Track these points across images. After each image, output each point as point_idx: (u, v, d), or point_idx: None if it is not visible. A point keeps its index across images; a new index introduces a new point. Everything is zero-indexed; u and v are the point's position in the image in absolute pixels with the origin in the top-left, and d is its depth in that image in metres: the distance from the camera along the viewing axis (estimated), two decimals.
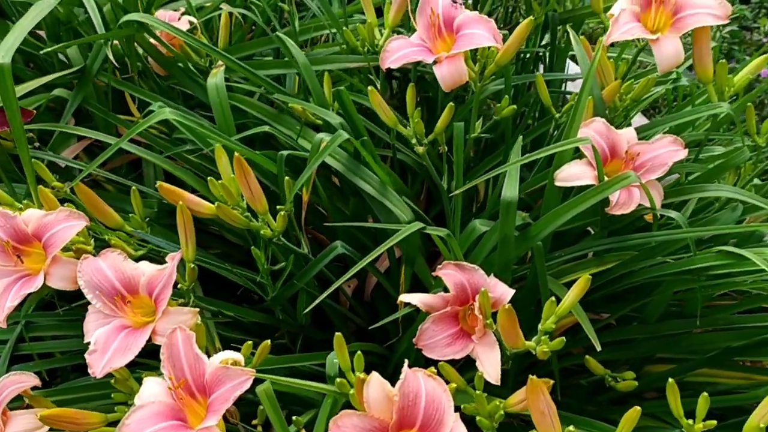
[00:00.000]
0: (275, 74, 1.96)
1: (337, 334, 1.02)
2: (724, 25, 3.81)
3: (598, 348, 1.26)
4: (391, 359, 1.59)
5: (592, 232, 1.55)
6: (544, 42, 2.00)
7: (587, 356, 1.36)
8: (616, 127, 1.53)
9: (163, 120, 1.73)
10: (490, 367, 1.15)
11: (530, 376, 0.98)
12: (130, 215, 1.39)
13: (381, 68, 1.35)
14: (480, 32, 1.25)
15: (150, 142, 1.62)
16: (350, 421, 0.89)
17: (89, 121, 1.73)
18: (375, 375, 0.89)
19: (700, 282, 1.31)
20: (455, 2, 1.31)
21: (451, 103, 1.30)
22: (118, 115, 1.71)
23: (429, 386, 0.94)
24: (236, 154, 1.20)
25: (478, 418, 1.07)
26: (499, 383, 1.14)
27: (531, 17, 1.26)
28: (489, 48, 1.33)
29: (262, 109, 1.68)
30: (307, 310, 1.33)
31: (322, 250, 1.46)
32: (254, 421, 1.21)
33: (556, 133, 1.66)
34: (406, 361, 0.93)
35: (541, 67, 2.00)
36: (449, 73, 1.26)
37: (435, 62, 1.28)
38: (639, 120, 2.94)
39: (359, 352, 1.01)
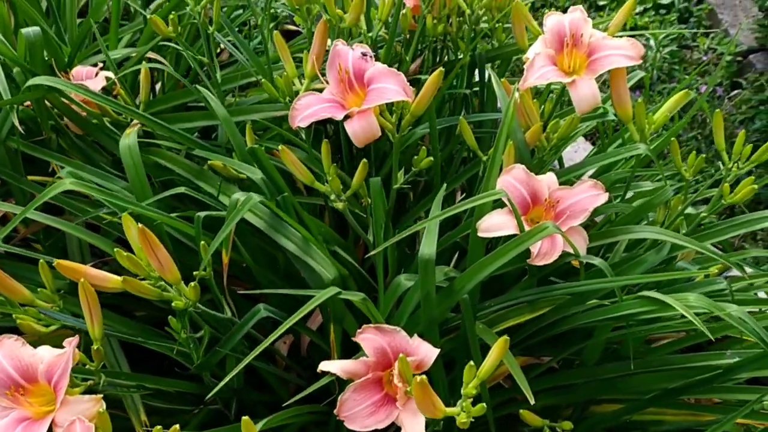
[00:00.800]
0: (203, 125, 1.92)
1: (244, 418, 0.97)
2: (664, 46, 3.87)
3: (532, 401, 1.22)
4: (332, 417, 1.54)
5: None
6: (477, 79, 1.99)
7: (522, 411, 1.32)
8: (542, 169, 1.53)
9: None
10: None
11: None
12: (39, 289, 1.32)
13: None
14: (390, 87, 1.22)
15: (67, 206, 1.56)
16: None
17: (4, 185, 1.66)
18: None
19: (629, 328, 1.28)
20: (365, 55, 1.28)
21: (365, 160, 1.27)
22: (36, 177, 1.65)
23: None
24: (140, 226, 1.14)
25: None
26: None
27: (441, 69, 1.24)
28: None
29: (185, 165, 1.63)
30: (229, 376, 1.27)
31: (252, 306, 1.41)
32: None
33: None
34: None
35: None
36: (361, 128, 1.23)
37: (347, 117, 1.25)
38: (582, 145, 2.96)
39: None
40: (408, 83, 1.24)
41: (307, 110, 1.26)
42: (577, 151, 2.65)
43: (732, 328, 1.32)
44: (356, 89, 1.29)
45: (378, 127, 1.24)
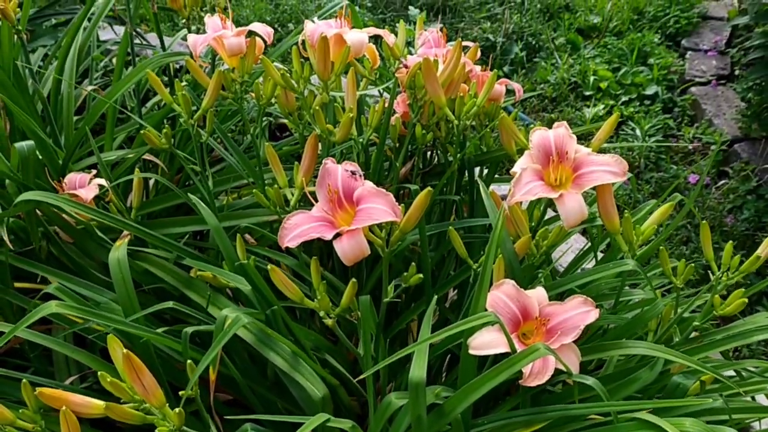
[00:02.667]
0: (193, 230, 1.93)
1: None
2: (650, 135, 3.96)
3: None
4: None
5: None
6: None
7: None
8: (533, 272, 1.53)
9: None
10: None
11: None
12: (21, 410, 1.29)
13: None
14: (379, 207, 1.23)
15: (55, 318, 1.54)
16: None
17: None
18: None
19: None
20: (354, 173, 1.30)
21: (354, 280, 1.27)
22: (24, 284, 1.64)
23: None
24: (125, 351, 1.13)
25: None
26: None
27: (429, 189, 1.25)
28: None
29: (174, 273, 1.63)
30: None
31: (239, 419, 1.37)
32: None
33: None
34: None
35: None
36: (350, 248, 1.23)
37: (336, 237, 1.25)
38: (575, 237, 2.98)
39: None
40: (396, 203, 1.25)
41: (296, 230, 1.26)
42: (571, 245, 2.66)
43: None
44: (345, 207, 1.30)
45: (367, 246, 1.24)
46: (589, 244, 2.24)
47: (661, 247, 1.53)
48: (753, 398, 1.69)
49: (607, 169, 1.37)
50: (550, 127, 1.48)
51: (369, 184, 1.28)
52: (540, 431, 1.38)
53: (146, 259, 1.68)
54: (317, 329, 1.75)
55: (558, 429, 1.34)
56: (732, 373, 1.65)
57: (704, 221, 1.53)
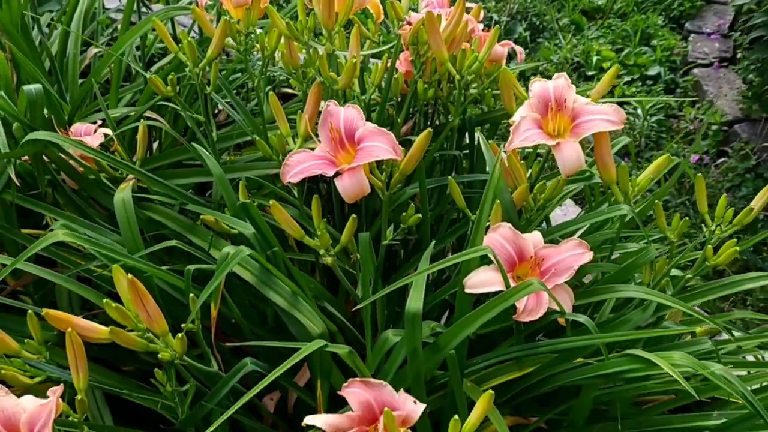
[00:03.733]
0: (198, 182, 1.96)
1: None
2: (651, 115, 3.98)
3: None
4: None
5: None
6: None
7: None
8: (529, 228, 1.56)
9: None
10: None
11: None
12: (26, 340, 1.32)
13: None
14: (379, 145, 1.26)
15: (59, 258, 1.57)
16: None
17: None
18: None
19: (616, 387, 1.28)
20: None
21: (354, 216, 1.30)
22: (30, 230, 1.66)
23: None
24: (130, 277, 1.16)
25: None
26: None
27: (429, 129, 1.28)
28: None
29: (177, 220, 1.66)
30: (214, 426, 1.24)
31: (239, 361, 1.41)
32: None
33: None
34: None
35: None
36: (350, 185, 1.26)
37: (337, 175, 1.28)
38: (571, 208, 3.01)
39: None
40: (398, 143, 1.28)
41: (298, 166, 1.29)
42: (566, 214, 2.69)
43: (720, 389, 1.32)
44: (347, 147, 1.32)
45: (367, 184, 1.27)
46: (583, 212, 2.27)
47: (656, 202, 1.55)
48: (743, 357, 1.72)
49: (604, 118, 1.39)
50: None
51: (370, 124, 1.31)
52: (533, 374, 1.41)
53: (149, 208, 1.71)
54: (317, 281, 1.78)
55: (550, 369, 1.37)
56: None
57: (699, 175, 1.55)
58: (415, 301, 1.21)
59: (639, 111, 3.92)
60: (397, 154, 1.26)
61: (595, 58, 4.32)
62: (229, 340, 1.72)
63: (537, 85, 1.48)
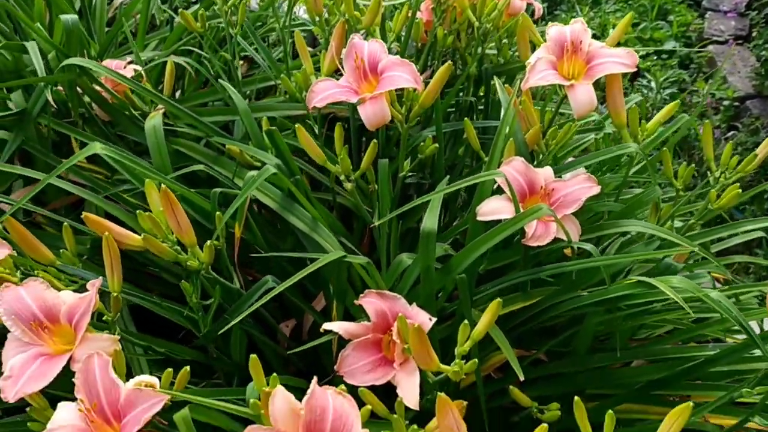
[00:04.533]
0: (220, 121, 2.03)
1: (252, 356, 1.04)
2: (664, 88, 4.02)
3: (521, 377, 1.28)
4: None
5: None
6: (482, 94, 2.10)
7: (512, 387, 1.38)
8: None
9: (105, 164, 1.79)
10: (409, 393, 1.17)
11: (439, 393, 1.00)
12: (62, 251, 1.40)
13: (308, 108, 1.41)
14: (401, 75, 1.32)
15: (90, 183, 1.65)
16: None
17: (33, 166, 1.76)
18: (280, 388, 0.91)
19: (618, 312, 1.35)
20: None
21: (375, 141, 1.36)
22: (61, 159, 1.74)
23: (337, 403, 0.95)
24: (163, 186, 1.23)
25: None
26: (417, 408, 1.16)
27: (449, 62, 1.34)
28: (414, 91, 1.41)
29: (202, 152, 1.73)
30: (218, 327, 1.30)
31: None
32: None
33: None
34: (315, 378, 0.95)
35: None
36: (372, 112, 1.32)
37: (360, 103, 1.35)
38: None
39: (275, 374, 1.02)
40: (418, 73, 1.34)
41: (323, 93, 1.35)
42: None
43: (716, 319, 1.39)
44: (370, 79, 1.39)
45: (388, 112, 1.33)
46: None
47: (664, 149, 1.61)
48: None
49: (617, 60, 1.45)
50: None
51: (392, 56, 1.37)
52: (538, 304, 1.48)
53: (176, 142, 1.78)
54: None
55: (554, 298, 1.44)
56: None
57: (707, 121, 1.61)
58: (429, 221, 1.28)
59: (653, 84, 3.96)
60: (417, 84, 1.32)
61: (611, 31, 4.34)
62: (249, 273, 1.80)
63: (554, 29, 1.54)
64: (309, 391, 0.93)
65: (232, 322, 1.45)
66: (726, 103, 3.88)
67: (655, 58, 4.26)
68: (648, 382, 1.48)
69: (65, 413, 1.02)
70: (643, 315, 1.43)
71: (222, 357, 1.58)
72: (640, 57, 4.28)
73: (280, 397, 0.90)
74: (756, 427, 1.45)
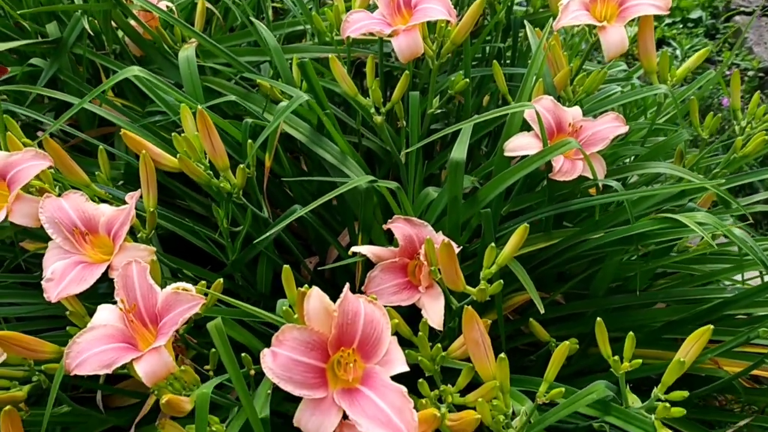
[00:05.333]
0: (250, 61, 2.04)
1: (285, 266, 1.07)
2: (689, 57, 3.97)
3: (542, 310, 1.31)
4: None
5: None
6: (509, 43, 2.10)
7: (532, 320, 1.41)
8: None
9: (136, 97, 1.82)
10: (434, 314, 1.21)
11: (466, 306, 1.04)
12: (96, 173, 1.44)
13: (342, 37, 1.43)
14: (434, 6, 1.33)
15: (122, 114, 1.68)
16: (291, 334, 0.94)
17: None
18: (315, 289, 0.94)
19: (639, 250, 1.37)
20: None
21: (407, 72, 1.38)
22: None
23: (368, 309, 0.99)
24: (199, 107, 1.26)
25: (420, 358, 1.11)
26: (441, 328, 1.20)
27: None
28: (446, 27, 1.42)
29: (233, 89, 1.75)
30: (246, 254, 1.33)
31: (290, 232, 1.51)
32: (206, 367, 1.24)
33: None
34: (347, 284, 0.98)
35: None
36: (406, 44, 1.34)
37: (393, 35, 1.36)
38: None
39: (306, 285, 1.05)
40: (452, 6, 1.35)
41: (357, 24, 1.37)
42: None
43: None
44: (403, 12, 1.40)
45: (421, 44, 1.35)
46: None
47: (692, 98, 1.62)
48: None
49: (650, 2, 1.45)
50: None
51: None
52: (560, 244, 1.51)
53: (207, 80, 1.80)
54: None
55: (577, 237, 1.46)
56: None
57: (736, 70, 1.61)
58: (458, 152, 1.30)
59: (678, 52, 3.92)
60: (451, 16, 1.33)
61: None
62: (276, 214, 1.83)
63: None
64: (342, 295, 0.96)
65: (261, 247, 1.49)
66: (751, 73, 3.84)
67: (681, 26, 4.21)
68: (665, 324, 1.51)
69: (105, 314, 1.07)
70: (664, 257, 1.44)
71: (248, 286, 1.62)
72: (665, 25, 4.23)
73: (316, 297, 0.94)
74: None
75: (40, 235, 1.66)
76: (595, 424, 1.32)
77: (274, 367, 0.92)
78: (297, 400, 1.48)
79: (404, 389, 0.94)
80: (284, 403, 1.46)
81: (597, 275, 1.52)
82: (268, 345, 1.44)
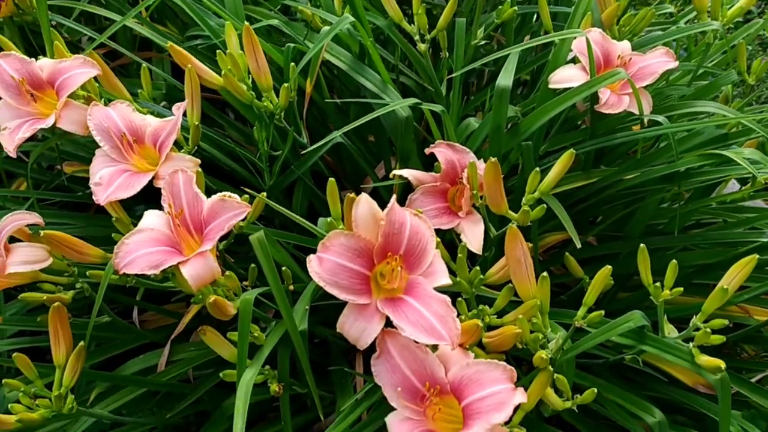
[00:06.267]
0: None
1: (330, 179, 1.08)
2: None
3: (578, 244, 1.31)
4: None
5: None
6: None
7: (567, 254, 1.41)
8: None
9: (175, 23, 1.82)
10: (474, 239, 1.21)
11: (510, 225, 1.04)
12: (139, 91, 1.44)
13: None
14: None
15: (161, 35, 1.68)
16: (338, 240, 0.95)
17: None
18: (365, 195, 0.95)
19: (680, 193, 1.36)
20: None
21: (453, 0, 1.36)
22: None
23: (414, 221, 0.99)
24: (245, 24, 1.25)
25: (458, 279, 1.11)
26: (480, 252, 1.20)
27: None
28: None
29: (273, 16, 1.73)
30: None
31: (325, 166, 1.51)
32: (245, 283, 1.26)
33: None
34: (394, 196, 0.98)
35: None
36: None
37: None
38: None
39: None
40: None
41: None
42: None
43: None
44: None
45: None
46: None
47: (740, 40, 1.58)
48: None
49: None
50: None
51: None
52: (598, 183, 1.50)
53: (248, 9, 1.78)
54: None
55: (615, 176, 1.45)
56: None
57: None
58: (504, 78, 1.28)
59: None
60: None
61: None
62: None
63: None
64: (389, 205, 0.97)
65: (299, 172, 1.49)
66: None
67: None
68: (699, 267, 1.50)
69: (153, 218, 1.08)
70: (704, 198, 1.43)
71: (284, 210, 1.63)
72: None
73: (365, 203, 0.94)
74: None
75: (81, 157, 1.70)
76: (627, 357, 1.34)
77: (321, 271, 0.93)
78: (331, 324, 1.50)
79: (448, 299, 0.95)
80: (318, 327, 1.49)
81: (634, 216, 1.51)
82: (304, 269, 1.47)
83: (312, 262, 0.94)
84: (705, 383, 1.49)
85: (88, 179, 1.63)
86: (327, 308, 1.43)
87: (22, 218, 1.17)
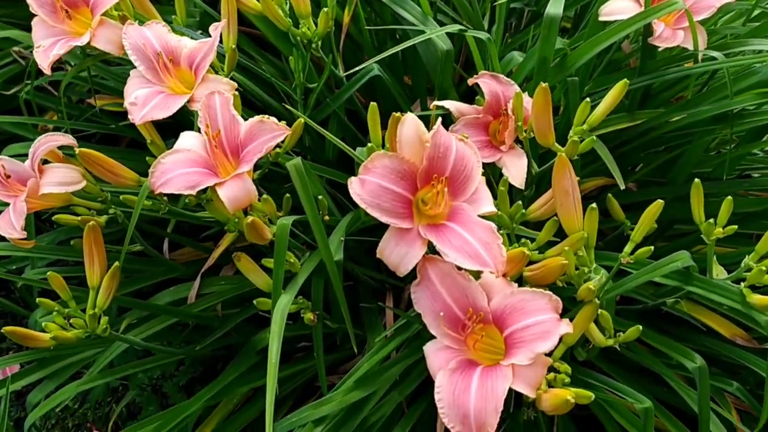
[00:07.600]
0: None
1: (372, 104, 1.04)
2: None
3: (622, 186, 1.27)
4: None
5: None
6: None
7: (609, 195, 1.37)
8: None
9: None
10: (516, 173, 1.17)
11: (559, 154, 1.00)
12: (173, 17, 1.41)
13: None
14: None
15: None
16: (381, 162, 0.91)
17: None
18: (411, 115, 0.91)
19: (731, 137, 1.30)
20: None
21: None
22: None
23: (459, 146, 0.96)
24: None
25: (500, 213, 1.08)
26: (522, 186, 1.16)
27: None
28: None
29: None
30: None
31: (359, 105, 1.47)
32: (279, 212, 1.23)
33: None
34: (440, 118, 0.94)
35: None
36: None
37: None
38: None
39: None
40: None
41: None
42: None
43: None
44: None
45: None
46: None
47: None
48: None
49: None
50: None
51: None
52: (644, 125, 1.44)
53: None
54: None
55: (662, 118, 1.39)
56: None
57: None
58: (554, 6, 1.22)
59: None
60: None
61: None
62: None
63: None
64: (434, 127, 0.93)
65: (334, 105, 1.45)
66: None
67: None
68: (745, 214, 1.45)
69: (189, 140, 1.06)
70: (758, 141, 1.37)
71: (317, 149, 1.60)
72: None
73: (411, 123, 0.90)
74: None
75: (112, 88, 1.68)
76: (669, 300, 1.30)
77: (362, 193, 0.90)
78: (364, 263, 1.48)
79: (493, 225, 0.92)
80: (348, 263, 1.47)
81: (679, 160, 1.45)
82: (337, 205, 1.44)
83: (353, 183, 0.91)
84: (743, 336, 1.46)
85: (119, 113, 1.63)
86: (357, 247, 1.41)
87: (55, 140, 1.15)
